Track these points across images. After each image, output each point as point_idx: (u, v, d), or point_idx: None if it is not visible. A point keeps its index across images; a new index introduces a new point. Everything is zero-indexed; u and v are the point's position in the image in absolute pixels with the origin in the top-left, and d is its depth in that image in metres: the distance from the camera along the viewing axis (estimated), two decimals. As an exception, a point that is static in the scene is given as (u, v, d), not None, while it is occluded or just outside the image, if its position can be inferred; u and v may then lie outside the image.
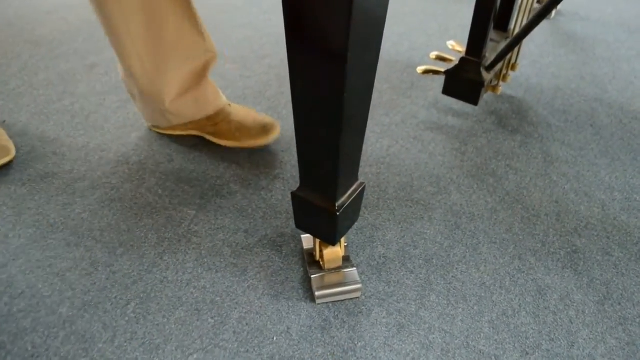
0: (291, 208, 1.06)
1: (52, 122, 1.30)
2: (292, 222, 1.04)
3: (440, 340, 0.85)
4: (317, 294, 0.88)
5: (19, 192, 1.10)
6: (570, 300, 0.92)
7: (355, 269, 0.92)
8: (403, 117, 1.36)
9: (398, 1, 2.07)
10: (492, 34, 1.30)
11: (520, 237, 1.03)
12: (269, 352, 0.82)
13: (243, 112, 1.22)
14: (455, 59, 1.28)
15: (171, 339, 0.84)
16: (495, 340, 0.85)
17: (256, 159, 1.19)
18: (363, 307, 0.89)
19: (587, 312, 0.90)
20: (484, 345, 0.84)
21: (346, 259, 0.93)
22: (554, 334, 0.86)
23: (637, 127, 1.35)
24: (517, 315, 0.89)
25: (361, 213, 1.06)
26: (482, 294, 0.92)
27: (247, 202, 1.09)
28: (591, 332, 0.87)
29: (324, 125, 0.66)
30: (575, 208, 1.10)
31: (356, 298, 0.91)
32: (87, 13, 1.85)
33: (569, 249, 1.01)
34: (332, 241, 0.83)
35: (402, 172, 1.17)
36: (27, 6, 1.92)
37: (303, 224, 0.86)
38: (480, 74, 1.19)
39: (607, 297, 0.93)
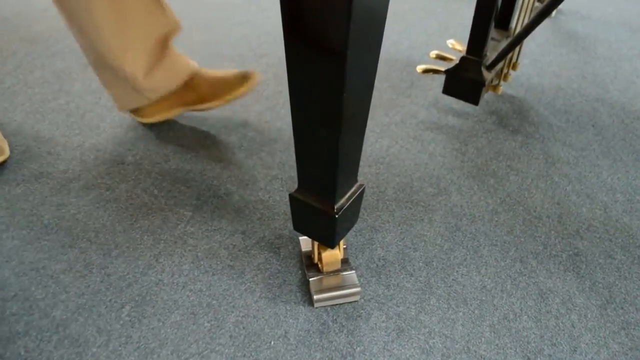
0: (289, 209, 1.05)
1: (47, 121, 1.28)
2: (290, 224, 1.03)
3: (440, 345, 0.83)
4: (315, 297, 0.87)
5: (12, 192, 1.08)
6: (572, 304, 0.90)
7: (354, 271, 0.90)
8: (402, 116, 1.34)
9: (397, -1, 2.05)
10: (493, 33, 1.28)
11: (522, 240, 1.01)
12: (266, 356, 0.81)
13: (217, 70, 1.24)
14: (455, 58, 1.27)
15: (166, 343, 0.82)
16: (497, 345, 0.84)
17: (254, 159, 1.18)
18: (362, 311, 0.88)
19: (589, 316, 0.89)
20: (485, 350, 0.83)
21: (345, 262, 0.92)
22: (556, 339, 0.85)
23: (639, 127, 1.34)
24: (518, 319, 0.88)
25: (360, 214, 1.05)
26: (483, 298, 0.91)
27: (244, 203, 1.07)
28: (594, 336, 0.86)
29: (322, 126, 0.65)
30: (577, 210, 1.08)
31: (355, 301, 0.89)
32: (83, 10, 1.83)
33: (570, 252, 0.99)
34: (331, 244, 0.81)
35: (402, 173, 1.16)
36: (23, 3, 1.90)
37: (301, 227, 0.84)
38: (480, 73, 1.18)
39: (610, 300, 0.91)
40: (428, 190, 1.12)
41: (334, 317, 0.87)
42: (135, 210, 1.05)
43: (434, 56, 1.38)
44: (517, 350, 0.83)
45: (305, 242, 0.96)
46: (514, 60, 1.37)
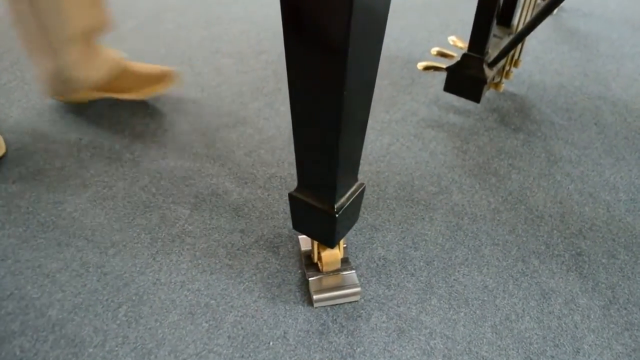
0: (289, 208, 1.04)
1: (44, 118, 1.27)
2: (289, 222, 1.02)
3: (441, 346, 0.82)
4: (315, 297, 0.86)
5: (8, 190, 1.07)
6: (575, 305, 0.89)
7: (354, 271, 0.89)
8: (403, 114, 1.33)
9: (398, -4, 2.04)
10: (495, 30, 1.27)
11: (524, 239, 1.00)
12: (264, 357, 0.80)
13: (141, 64, 1.31)
14: (456, 55, 1.26)
15: (164, 344, 0.81)
16: (498, 346, 0.83)
17: (253, 157, 1.17)
18: (362, 311, 0.87)
19: (592, 317, 0.88)
20: (486, 351, 0.82)
21: (345, 261, 0.91)
22: (559, 340, 0.84)
23: (642, 125, 1.33)
24: (520, 320, 0.86)
25: (360, 213, 1.03)
26: (485, 298, 0.90)
27: (243, 201, 1.06)
28: (597, 337, 0.85)
29: (322, 124, 0.64)
30: (580, 209, 1.07)
31: (355, 302, 0.88)
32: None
33: (573, 252, 0.98)
34: (331, 244, 0.80)
35: (402, 171, 1.15)
36: (20, -1, 1.88)
37: (301, 226, 0.83)
38: (482, 70, 1.17)
39: (613, 301, 0.90)
40: (429, 189, 1.10)
41: (334, 318, 0.85)
42: (133, 208, 1.04)
43: (435, 53, 1.37)
44: (519, 351, 0.82)
45: (304, 241, 0.95)
46: (516, 57, 1.35)
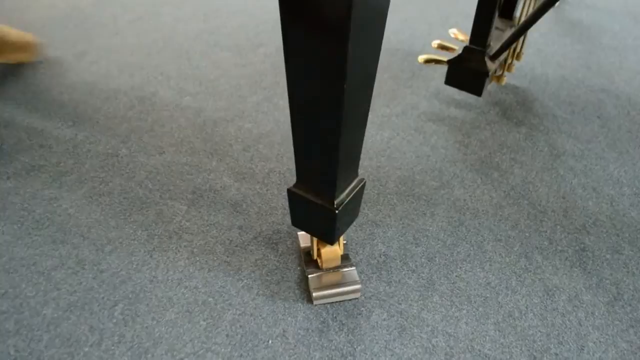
0: (287, 203, 1.02)
1: (39, 113, 1.25)
2: (288, 218, 1.00)
3: (443, 344, 0.81)
4: (314, 294, 0.84)
5: (3, 186, 1.05)
6: (579, 301, 0.88)
7: (354, 268, 0.88)
8: (404, 107, 1.31)
9: (398, -12, 2.01)
10: (497, 22, 1.25)
11: (527, 234, 0.99)
12: (263, 356, 0.78)
13: (8, 29, 1.31)
14: (458, 48, 1.24)
15: (161, 342, 0.80)
16: (501, 343, 0.81)
17: (251, 152, 1.15)
18: (362, 309, 0.85)
19: (596, 313, 0.86)
20: (489, 349, 0.80)
21: (345, 258, 0.89)
22: (563, 337, 0.82)
23: (646, 119, 1.31)
24: (524, 317, 0.85)
25: (360, 209, 1.02)
26: (487, 295, 0.88)
27: (241, 197, 1.04)
28: (601, 334, 0.83)
29: (322, 117, 0.62)
30: (583, 204, 1.06)
31: (355, 299, 0.86)
32: (77, -1, 1.80)
33: (577, 247, 0.97)
34: (331, 240, 0.79)
35: (403, 166, 1.13)
36: (16, -8, 1.86)
37: (300, 222, 0.81)
38: (484, 63, 1.15)
39: (618, 297, 0.89)
40: (430, 184, 1.09)
41: (334, 315, 0.84)
42: (129, 204, 1.02)
43: (436, 46, 1.35)
44: (523, 349, 0.81)
45: (303, 238, 0.93)
46: (518, 50, 1.33)
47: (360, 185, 0.77)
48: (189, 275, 0.89)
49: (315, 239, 0.85)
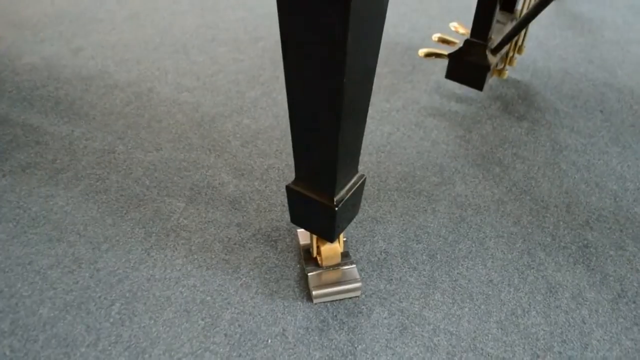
0: (287, 199, 1.01)
1: (35, 109, 1.23)
2: (287, 215, 0.99)
3: (445, 343, 0.79)
4: (314, 293, 0.83)
5: (-2, 183, 1.04)
6: (583, 299, 0.87)
7: (354, 266, 0.86)
8: (404, 102, 1.29)
9: (398, -19, 1.99)
10: (498, 15, 1.23)
11: (529, 231, 0.97)
12: (262, 355, 0.77)
13: None
14: (458, 42, 1.22)
15: (158, 342, 0.79)
16: (504, 342, 0.80)
17: (249, 148, 1.13)
18: (363, 307, 0.84)
19: (600, 311, 0.85)
20: (491, 348, 0.79)
21: (345, 255, 0.88)
22: (566, 335, 0.81)
23: (649, 112, 1.29)
24: (526, 314, 0.84)
25: (361, 205, 1.00)
26: (490, 292, 0.87)
27: (239, 194, 1.03)
28: (605, 332, 0.82)
29: (321, 112, 0.60)
30: (586, 199, 1.04)
31: (356, 297, 0.85)
32: (73, -6, 1.77)
33: (580, 243, 0.95)
34: (331, 238, 0.77)
35: (404, 161, 1.11)
36: (11, -13, 1.84)
37: (299, 220, 0.80)
38: (485, 57, 1.13)
39: (622, 294, 0.88)
40: (431, 180, 1.07)
41: (334, 314, 0.83)
42: (126, 201, 1.01)
43: (436, 39, 1.33)
44: (526, 347, 0.80)
45: (303, 235, 0.92)
46: (519, 43, 1.32)
47: (360, 182, 0.75)
48: (186, 273, 0.88)
49: (315, 237, 0.84)
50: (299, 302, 0.84)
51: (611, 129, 1.23)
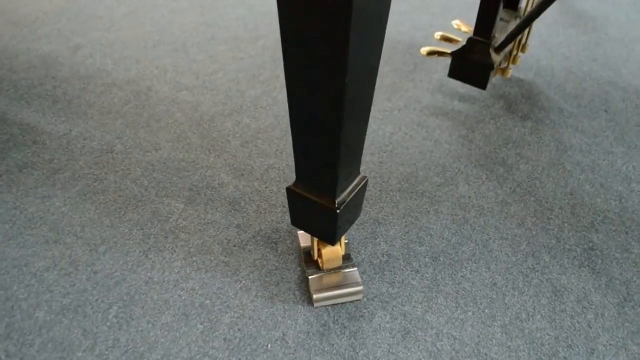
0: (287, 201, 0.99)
1: (33, 108, 1.22)
2: (288, 216, 0.97)
3: (448, 347, 0.78)
4: (315, 296, 0.81)
5: (-6, 183, 1.02)
6: (588, 302, 0.85)
7: (356, 269, 0.85)
8: (406, 101, 1.28)
9: (399, -21, 1.97)
10: (502, 13, 1.22)
11: (533, 232, 0.96)
12: (262, 361, 0.76)
13: None
14: (461, 40, 1.20)
15: (156, 347, 0.77)
16: (508, 347, 0.79)
17: (249, 147, 1.12)
18: (365, 311, 0.82)
19: (606, 315, 0.83)
20: (496, 353, 0.78)
21: (346, 258, 0.86)
22: (572, 340, 0.80)
23: (654, 112, 1.28)
24: (531, 319, 0.82)
25: (362, 207, 0.99)
26: (494, 296, 0.85)
27: (239, 194, 1.01)
28: (611, 337, 0.81)
29: (322, 113, 0.59)
30: (591, 200, 1.03)
31: (357, 301, 0.84)
32: (72, -9, 1.76)
33: (585, 246, 0.94)
34: (332, 241, 0.76)
35: (406, 162, 1.10)
36: (9, -16, 1.82)
37: (299, 222, 0.78)
38: (489, 55, 1.11)
39: (628, 298, 0.86)
40: (434, 180, 1.06)
41: (335, 318, 0.81)
42: (124, 202, 0.99)
43: (439, 37, 1.32)
44: (531, 352, 0.78)
45: (303, 237, 0.90)
46: (523, 41, 1.30)
47: (362, 184, 0.74)
48: (185, 276, 0.87)
49: (315, 239, 0.83)
50: (300, 306, 0.83)
51: (616, 129, 1.21)
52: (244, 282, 0.86)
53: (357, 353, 0.77)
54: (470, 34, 1.13)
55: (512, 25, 1.20)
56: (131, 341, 0.78)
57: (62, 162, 1.07)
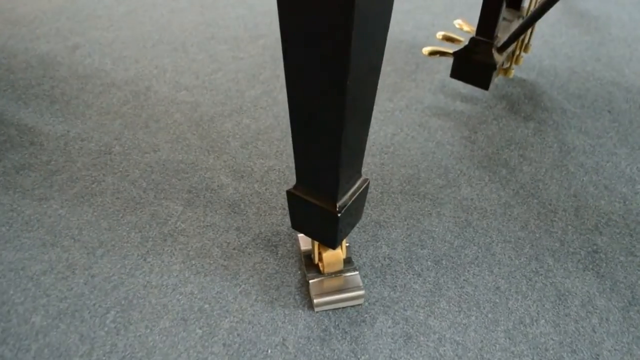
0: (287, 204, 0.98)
1: (30, 109, 1.21)
2: (288, 219, 0.96)
3: (451, 353, 0.77)
4: (315, 300, 0.80)
5: (-9, 185, 1.01)
6: (593, 307, 0.84)
7: (357, 272, 0.84)
8: (408, 102, 1.26)
9: (400, -22, 1.96)
10: (505, 13, 1.20)
11: (537, 235, 0.94)
12: (262, 366, 0.75)
13: None
14: (463, 40, 1.19)
15: (155, 352, 0.76)
16: (512, 352, 0.77)
17: (249, 149, 1.10)
18: (366, 315, 0.81)
19: (611, 319, 0.82)
20: (499, 358, 0.76)
21: (347, 261, 0.85)
22: (576, 345, 0.79)
23: (658, 112, 1.26)
24: (535, 323, 0.81)
25: (364, 209, 0.98)
26: (497, 300, 0.84)
27: (239, 197, 1.00)
28: (616, 342, 0.79)
29: (323, 114, 0.58)
30: (595, 202, 1.01)
31: (359, 305, 0.82)
32: (70, -10, 1.74)
33: (589, 249, 0.93)
34: (333, 244, 0.74)
35: (408, 163, 1.09)
36: (8, -17, 1.81)
37: (300, 225, 0.77)
38: (491, 55, 1.10)
39: (633, 302, 0.85)
40: (436, 182, 1.04)
41: (336, 323, 0.80)
42: (122, 204, 0.98)
43: (441, 37, 1.30)
44: (534, 357, 0.77)
45: (304, 240, 0.89)
46: (526, 41, 1.28)
47: (364, 187, 0.72)
48: (184, 280, 0.85)
49: (316, 243, 0.81)
50: (300, 311, 0.81)
51: (619, 130, 1.20)
52: (243, 286, 0.85)
53: (358, 359, 0.76)
54: (473, 34, 1.11)
55: (515, 25, 1.19)
56: (129, 346, 0.77)
57: (60, 164, 1.06)
